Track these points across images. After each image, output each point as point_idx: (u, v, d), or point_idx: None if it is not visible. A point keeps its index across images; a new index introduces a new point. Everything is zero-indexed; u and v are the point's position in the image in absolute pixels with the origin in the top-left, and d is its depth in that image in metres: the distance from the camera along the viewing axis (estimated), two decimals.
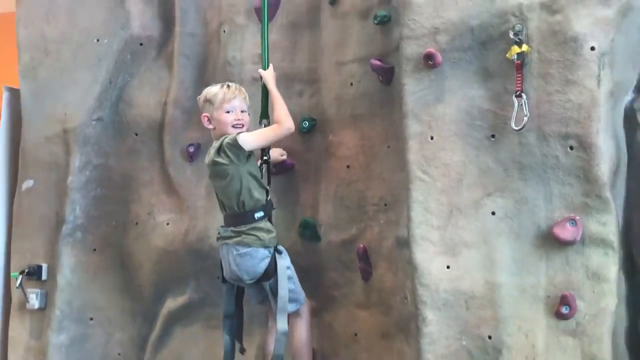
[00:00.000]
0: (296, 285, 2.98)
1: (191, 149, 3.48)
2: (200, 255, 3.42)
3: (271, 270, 2.86)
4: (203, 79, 3.50)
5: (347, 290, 3.16)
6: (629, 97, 2.66)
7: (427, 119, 2.69)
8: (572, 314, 2.46)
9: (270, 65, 3.16)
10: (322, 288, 3.27)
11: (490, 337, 2.52)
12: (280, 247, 2.96)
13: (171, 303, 3.55)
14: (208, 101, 2.96)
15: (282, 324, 2.83)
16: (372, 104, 3.06)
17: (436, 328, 2.58)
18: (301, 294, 3.00)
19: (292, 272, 2.97)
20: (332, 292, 3.22)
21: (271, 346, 2.94)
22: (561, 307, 2.47)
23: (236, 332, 3.08)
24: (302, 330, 3.01)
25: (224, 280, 3.06)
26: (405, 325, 2.78)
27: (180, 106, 3.54)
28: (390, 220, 2.94)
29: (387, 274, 2.95)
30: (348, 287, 3.14)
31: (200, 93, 3.11)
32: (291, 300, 2.91)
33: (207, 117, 2.98)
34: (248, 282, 2.91)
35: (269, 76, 3.11)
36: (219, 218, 3.10)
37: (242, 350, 3.12)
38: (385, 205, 2.97)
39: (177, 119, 3.54)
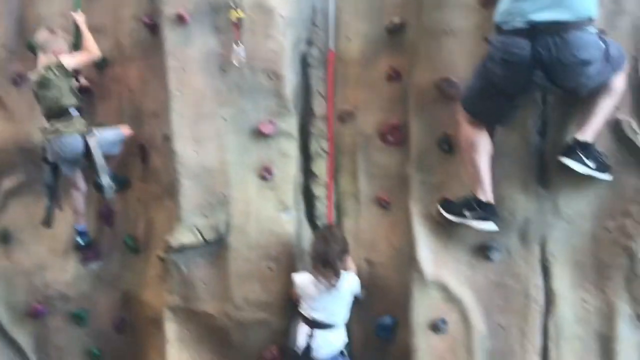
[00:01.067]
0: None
1: (17, 77, 4.35)
2: (26, 149, 4.35)
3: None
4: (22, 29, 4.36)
5: (132, 171, 4.27)
6: (303, 47, 4.02)
7: (180, 58, 3.84)
8: (271, 177, 3.84)
9: (79, 11, 4.08)
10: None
11: (223, 194, 3.84)
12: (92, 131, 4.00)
13: (7, 183, 4.47)
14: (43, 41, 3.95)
15: (105, 179, 3.93)
16: (145, 48, 4.12)
17: (189, 190, 3.85)
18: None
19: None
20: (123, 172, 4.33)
21: (78, 203, 4.11)
22: (264, 172, 3.85)
23: (55, 197, 4.12)
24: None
25: (46, 161, 4.04)
26: (172, 190, 3.94)
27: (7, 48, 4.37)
28: (160, 123, 4.04)
29: (159, 160, 4.12)
30: (132, 168, 4.28)
31: (20, 39, 4.19)
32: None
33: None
34: (69, 158, 3.92)
35: (80, 18, 4.07)
36: (38, 124, 4.06)
37: (60, 208, 4.18)
38: (155, 114, 4.08)
39: (4, 56, 4.37)
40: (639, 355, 3.49)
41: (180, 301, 3.96)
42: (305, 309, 3.63)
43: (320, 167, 3.96)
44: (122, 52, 4.26)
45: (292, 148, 3.89)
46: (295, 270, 3.81)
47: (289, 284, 3.78)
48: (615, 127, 3.44)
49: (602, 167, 3.36)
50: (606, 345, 3.48)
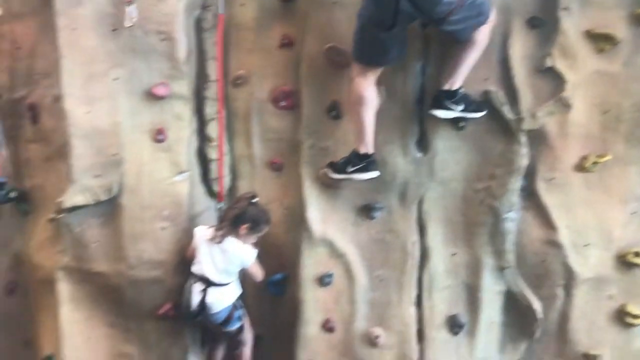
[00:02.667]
0: None
1: None
2: None
3: None
4: None
5: (21, 131, 3.93)
6: (198, 11, 3.79)
7: (71, 17, 3.53)
8: (165, 139, 3.63)
9: None
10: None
11: (115, 154, 3.58)
12: None
13: None
14: None
15: None
16: (35, 5, 3.75)
17: (81, 151, 3.57)
18: None
19: None
20: (10, 132, 3.95)
21: None
22: (157, 135, 3.62)
23: None
24: None
25: None
26: (63, 151, 3.64)
27: None
28: (51, 83, 3.70)
29: (49, 120, 3.77)
30: (21, 129, 3.93)
31: None
32: None
33: None
34: None
35: None
36: None
37: None
38: (46, 73, 3.72)
39: None
40: (499, 302, 3.66)
41: (73, 261, 3.70)
42: (198, 268, 3.51)
43: (215, 131, 3.76)
44: (10, 8, 3.82)
45: (185, 111, 3.68)
46: (188, 231, 3.64)
47: (183, 243, 3.63)
48: (484, 97, 3.54)
49: (472, 107, 3.47)
50: (473, 294, 3.63)
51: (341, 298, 3.68)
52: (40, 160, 3.89)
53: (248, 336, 3.76)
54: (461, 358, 3.62)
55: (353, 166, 3.44)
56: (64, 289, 3.75)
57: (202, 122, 3.84)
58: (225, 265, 3.49)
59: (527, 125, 3.53)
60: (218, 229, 3.49)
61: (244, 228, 3.48)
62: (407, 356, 3.58)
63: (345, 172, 3.46)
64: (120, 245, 3.63)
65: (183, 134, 3.68)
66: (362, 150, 3.43)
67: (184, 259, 3.64)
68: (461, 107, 3.43)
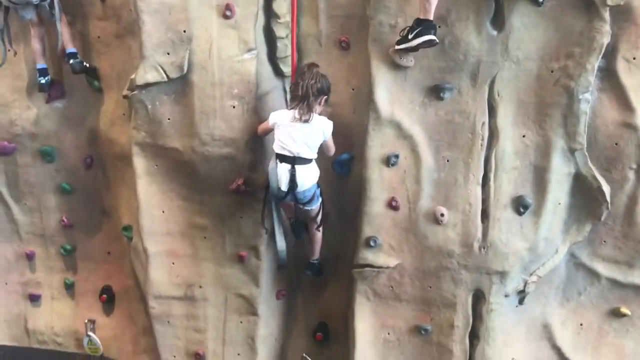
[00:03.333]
0: None
1: None
2: None
3: None
4: None
5: (91, 9, 3.94)
6: None
7: None
8: (232, 15, 3.51)
9: None
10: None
11: (185, 31, 3.55)
12: None
13: None
14: None
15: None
16: None
17: (151, 27, 3.53)
18: None
19: None
20: (80, 10, 3.96)
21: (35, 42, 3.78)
22: (225, 10, 3.52)
23: (5, 38, 3.83)
24: None
25: None
26: (134, 27, 3.65)
27: None
28: None
29: None
30: (91, 6, 3.93)
31: None
32: None
33: None
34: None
35: None
36: None
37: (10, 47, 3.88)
38: None
39: None
40: (568, 183, 3.61)
41: (148, 137, 3.80)
42: (282, 147, 3.47)
43: (281, 7, 3.64)
44: None
45: None
46: (257, 108, 3.64)
47: (252, 121, 3.65)
48: None
49: None
50: (540, 176, 3.57)
51: (407, 178, 3.68)
52: (111, 37, 3.94)
53: (323, 215, 3.82)
54: (524, 237, 3.64)
55: (412, 32, 3.30)
56: (140, 163, 3.89)
57: None
58: (308, 141, 3.46)
59: (612, 0, 3.29)
60: (301, 106, 3.40)
61: (323, 99, 3.47)
62: (471, 234, 3.62)
63: (406, 41, 3.32)
64: (192, 122, 3.69)
65: (250, 10, 3.59)
66: (422, 16, 3.27)
67: (254, 137, 3.68)
68: None
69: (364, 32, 3.59)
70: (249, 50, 3.60)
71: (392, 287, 3.81)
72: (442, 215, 3.65)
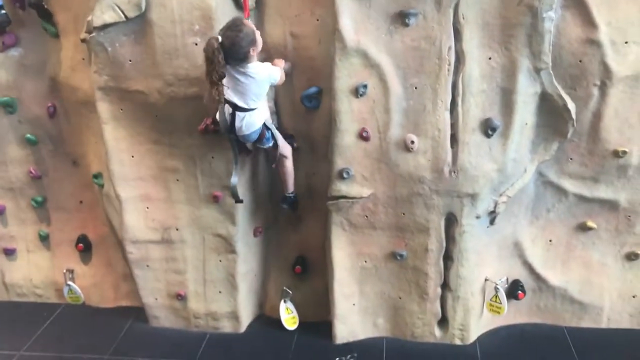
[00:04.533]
0: None
1: None
2: None
3: None
4: None
5: None
6: None
7: None
8: None
9: None
10: None
11: None
12: None
13: None
14: None
15: None
16: None
17: None
18: None
19: None
20: None
21: None
22: None
23: None
24: None
25: None
26: None
27: None
28: None
29: None
30: None
31: None
32: None
33: None
34: None
35: None
36: None
37: None
38: None
39: None
40: (534, 103, 3.64)
41: (110, 81, 3.71)
42: (226, 93, 3.42)
43: None
44: None
45: None
46: None
47: None
48: None
49: None
50: (508, 97, 3.59)
51: (376, 107, 3.68)
52: None
53: (286, 150, 3.84)
54: (493, 159, 3.69)
55: None
56: (105, 108, 3.81)
57: None
58: (250, 91, 3.41)
59: None
60: (231, 64, 3.31)
61: (253, 50, 3.34)
62: (441, 159, 3.67)
63: None
64: (155, 63, 3.61)
65: None
66: None
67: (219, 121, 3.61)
68: None
69: None
70: None
71: (366, 216, 3.86)
72: (412, 142, 3.67)
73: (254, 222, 4.15)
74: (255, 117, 3.57)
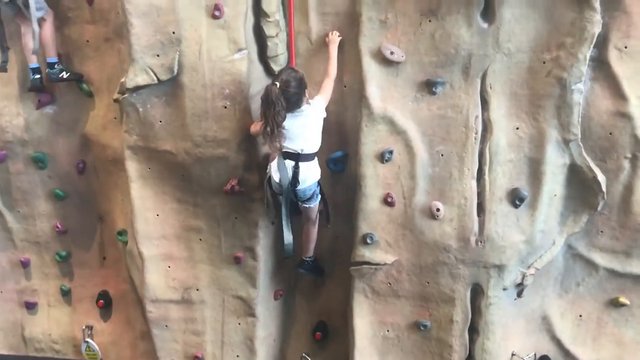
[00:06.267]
0: None
1: None
2: None
3: None
4: None
5: (79, 12, 3.91)
6: None
7: None
8: (221, 15, 3.47)
9: None
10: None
11: (174, 32, 3.51)
12: None
13: None
14: None
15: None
16: None
17: (139, 30, 3.50)
18: None
19: None
20: (67, 14, 3.93)
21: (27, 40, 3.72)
22: (215, 11, 3.47)
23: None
24: None
25: None
26: (122, 31, 3.63)
27: None
28: None
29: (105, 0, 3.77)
30: (79, 10, 3.89)
31: None
32: None
33: None
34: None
35: None
36: None
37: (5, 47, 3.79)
38: None
39: None
40: (563, 175, 3.58)
41: (140, 140, 3.76)
42: (286, 145, 3.42)
43: (271, 5, 3.60)
44: None
45: None
46: (248, 108, 3.60)
47: (245, 121, 3.61)
48: None
49: None
50: (535, 168, 3.54)
51: (401, 173, 3.66)
52: (100, 41, 3.91)
53: (316, 213, 3.81)
54: (521, 230, 3.61)
55: None
56: (133, 167, 3.86)
57: None
58: (310, 131, 3.43)
59: None
60: (289, 108, 3.32)
61: (306, 92, 3.39)
62: (467, 228, 3.60)
63: None
64: (184, 124, 3.66)
65: (239, 10, 3.54)
66: None
67: (247, 137, 3.65)
68: None
69: (355, 28, 3.55)
70: (239, 50, 3.56)
71: (389, 283, 3.78)
72: (438, 210, 3.62)
73: (275, 285, 4.10)
74: (314, 169, 3.56)
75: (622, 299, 3.79)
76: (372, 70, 3.54)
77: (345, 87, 3.71)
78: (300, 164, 3.47)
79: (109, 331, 4.54)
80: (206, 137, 3.65)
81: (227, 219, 3.87)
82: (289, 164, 3.47)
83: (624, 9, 3.32)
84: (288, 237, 3.66)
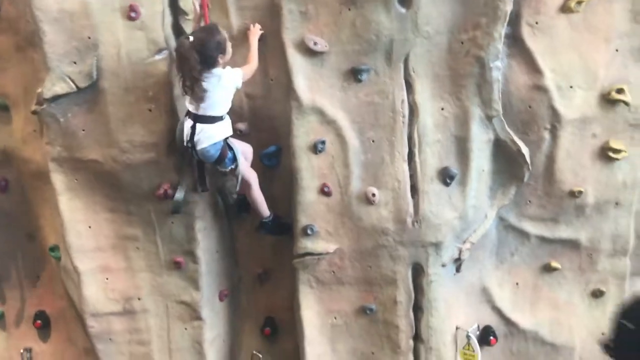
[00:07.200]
0: None
1: None
2: None
3: None
4: None
5: None
6: None
7: None
8: (138, 16, 3.36)
9: None
10: None
11: (89, 37, 3.39)
12: None
13: None
14: None
15: None
16: None
17: (53, 37, 3.37)
18: None
19: None
20: None
21: None
22: (130, 12, 3.37)
23: None
24: None
25: None
26: (32, 39, 3.49)
27: None
28: None
29: (12, 8, 3.54)
30: None
31: None
32: None
33: None
34: None
35: None
36: None
37: None
38: None
39: None
40: (489, 150, 3.70)
41: (63, 151, 3.63)
42: (189, 104, 3.36)
43: (188, 3, 3.50)
44: None
45: None
46: (174, 109, 3.52)
47: (172, 123, 3.53)
48: None
49: None
50: (462, 145, 3.65)
51: (335, 163, 3.68)
52: (11, 51, 3.72)
53: (251, 177, 3.64)
54: (454, 207, 3.71)
55: None
56: (59, 179, 3.72)
57: None
58: (215, 98, 3.29)
59: None
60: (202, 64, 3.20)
61: (223, 57, 3.30)
62: (402, 210, 3.66)
63: None
64: (109, 131, 3.55)
65: (156, 9, 3.46)
66: None
67: (175, 138, 3.55)
68: None
69: (276, 21, 3.52)
70: (160, 50, 3.48)
71: (333, 272, 3.80)
72: (374, 195, 3.67)
73: (218, 285, 4.04)
74: (216, 129, 3.43)
75: (554, 264, 3.97)
76: (297, 62, 3.54)
77: (272, 80, 3.68)
78: (198, 124, 3.35)
79: (49, 352, 4.35)
80: (133, 142, 3.56)
81: (163, 224, 3.78)
82: (188, 123, 3.39)
83: None
84: (178, 195, 3.60)
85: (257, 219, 3.83)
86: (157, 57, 3.48)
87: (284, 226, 3.89)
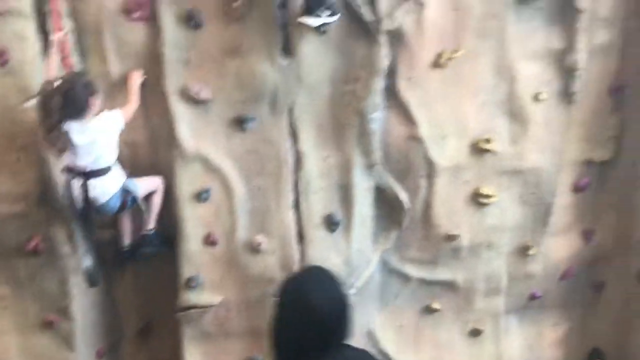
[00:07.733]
0: None
1: None
2: None
3: None
4: None
5: None
6: None
7: None
8: (7, 62, 3.19)
9: None
10: None
11: None
12: None
13: None
14: None
15: None
16: None
17: None
18: None
19: None
20: None
21: None
22: None
23: None
24: None
25: None
26: None
27: None
28: None
29: None
30: None
31: None
32: None
33: None
34: None
35: None
36: None
37: None
38: None
39: None
40: (370, 197, 3.81)
41: None
42: (70, 162, 3.17)
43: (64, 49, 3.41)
44: None
45: (28, 28, 3.26)
46: (45, 159, 3.33)
47: (42, 172, 3.34)
48: (345, 3, 3.47)
49: (333, 10, 3.38)
50: (345, 193, 3.72)
51: (221, 211, 3.64)
52: None
53: (155, 185, 3.50)
54: (339, 252, 3.77)
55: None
56: None
57: (47, 41, 3.40)
58: (99, 148, 3.14)
59: (385, 26, 3.56)
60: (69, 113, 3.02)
61: (94, 101, 3.13)
62: (290, 257, 3.68)
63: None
64: None
65: (27, 55, 3.29)
66: None
67: (47, 189, 3.36)
68: (328, 13, 3.35)
69: (158, 68, 3.45)
70: (31, 97, 3.24)
71: (219, 324, 3.71)
72: (260, 243, 3.65)
73: (95, 343, 3.79)
74: (110, 180, 3.26)
75: (435, 305, 4.09)
76: (180, 110, 3.49)
77: (154, 129, 3.59)
78: (90, 181, 3.19)
79: None
80: (1, 193, 3.33)
81: (33, 280, 3.52)
82: (77, 182, 3.21)
83: (405, 43, 3.62)
84: (86, 262, 3.43)
85: (139, 268, 3.69)
86: (28, 104, 3.24)
87: (166, 239, 3.69)
